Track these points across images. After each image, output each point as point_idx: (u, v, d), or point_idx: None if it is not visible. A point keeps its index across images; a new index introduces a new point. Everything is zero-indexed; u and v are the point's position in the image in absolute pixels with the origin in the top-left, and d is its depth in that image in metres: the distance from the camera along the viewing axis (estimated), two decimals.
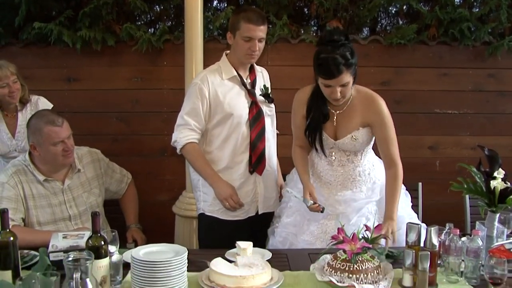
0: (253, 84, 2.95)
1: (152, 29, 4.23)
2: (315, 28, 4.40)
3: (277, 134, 3.12)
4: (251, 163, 2.92)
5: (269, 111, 3.00)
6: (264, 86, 2.97)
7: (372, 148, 2.84)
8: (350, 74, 2.50)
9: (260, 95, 2.94)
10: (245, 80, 2.93)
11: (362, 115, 2.68)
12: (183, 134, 2.85)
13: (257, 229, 2.92)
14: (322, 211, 2.66)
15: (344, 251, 2.15)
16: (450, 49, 4.17)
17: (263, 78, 3.05)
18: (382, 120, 2.66)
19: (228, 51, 2.96)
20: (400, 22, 4.35)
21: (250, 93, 2.92)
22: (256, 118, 2.91)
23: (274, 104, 3.02)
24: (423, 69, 4.18)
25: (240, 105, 2.89)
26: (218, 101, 2.85)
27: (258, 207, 2.98)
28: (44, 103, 3.41)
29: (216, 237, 2.94)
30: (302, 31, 4.17)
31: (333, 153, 2.78)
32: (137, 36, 3.98)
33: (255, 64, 3.00)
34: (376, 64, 4.11)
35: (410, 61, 4.16)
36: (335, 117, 2.72)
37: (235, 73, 2.90)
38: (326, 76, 2.49)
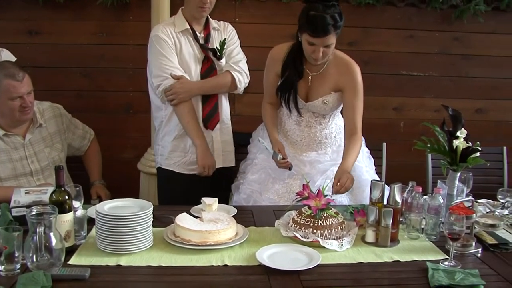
0: (207, 38, 2.90)
1: None
2: None
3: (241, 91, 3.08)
4: (203, 117, 2.90)
5: (222, 65, 2.95)
6: (220, 42, 2.89)
7: (340, 112, 2.86)
8: (335, 36, 2.51)
9: (210, 49, 2.88)
10: (198, 34, 2.88)
11: (336, 80, 2.69)
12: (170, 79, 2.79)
13: (215, 183, 2.91)
14: (290, 169, 2.68)
15: (309, 207, 2.18)
16: (418, 11, 4.16)
17: (221, 33, 2.97)
18: (355, 87, 2.67)
19: (183, 7, 2.91)
20: None
21: (203, 47, 2.88)
22: (207, 73, 2.88)
23: (226, 61, 2.95)
24: (390, 30, 4.18)
25: (192, 59, 2.86)
26: (176, 53, 2.83)
27: (215, 162, 2.97)
28: (7, 55, 3.29)
29: (173, 191, 2.99)
30: None
31: (302, 114, 2.78)
32: None
33: (211, 20, 2.95)
34: (344, 24, 4.09)
35: (378, 22, 4.15)
36: (310, 78, 2.72)
37: (187, 26, 2.85)
38: (313, 34, 2.48)
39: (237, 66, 2.92)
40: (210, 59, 2.89)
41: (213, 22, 2.96)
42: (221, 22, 3.01)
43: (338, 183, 2.47)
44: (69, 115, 3.05)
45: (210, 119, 2.92)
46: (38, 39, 3.96)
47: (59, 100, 3.10)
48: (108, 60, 4.05)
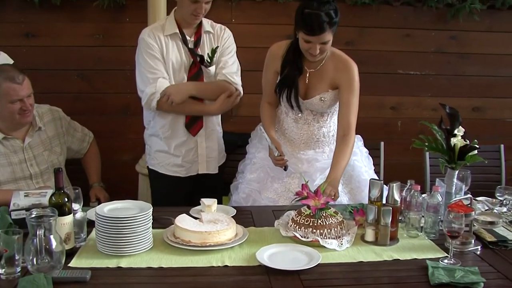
0: (197, 43, 2.85)
1: None
2: None
3: (240, 93, 3.03)
4: (186, 122, 2.87)
5: (209, 72, 2.89)
6: (212, 49, 2.84)
7: None
8: (331, 33, 2.51)
9: (198, 55, 2.83)
10: (188, 38, 2.83)
11: (333, 77, 2.69)
12: (160, 84, 2.74)
13: (196, 189, 2.91)
14: (285, 169, 2.69)
15: (308, 206, 2.18)
16: (414, 10, 4.17)
17: (215, 38, 2.90)
18: (351, 84, 2.66)
19: (177, 8, 2.85)
20: None
21: (191, 51, 2.83)
22: (194, 78, 2.83)
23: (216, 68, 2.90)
24: (387, 29, 4.19)
25: (179, 64, 2.82)
26: (162, 57, 2.79)
27: (198, 167, 2.96)
28: (4, 58, 3.28)
29: (156, 192, 3.03)
30: None
31: (300, 112, 2.78)
32: None
33: (204, 23, 2.89)
34: (340, 24, 4.06)
35: (374, 21, 4.15)
36: (308, 75, 2.72)
37: (177, 30, 2.80)
38: (309, 32, 2.48)
39: (232, 78, 2.88)
40: (197, 64, 2.83)
41: (207, 25, 2.90)
42: (218, 25, 2.95)
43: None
44: (68, 118, 3.05)
45: (193, 125, 2.88)
46: (35, 42, 3.96)
47: (57, 102, 3.10)
48: (105, 62, 4.05)
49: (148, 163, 3.05)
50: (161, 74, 2.76)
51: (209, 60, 2.83)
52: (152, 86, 2.74)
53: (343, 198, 2.70)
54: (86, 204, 2.53)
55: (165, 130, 2.88)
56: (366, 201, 2.45)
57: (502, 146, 3.70)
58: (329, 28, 2.47)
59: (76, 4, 3.91)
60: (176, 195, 2.93)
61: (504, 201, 2.65)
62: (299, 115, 2.78)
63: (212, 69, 2.88)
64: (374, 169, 3.00)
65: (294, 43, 2.64)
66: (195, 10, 2.69)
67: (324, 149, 2.84)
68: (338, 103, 2.75)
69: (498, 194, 2.67)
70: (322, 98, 2.70)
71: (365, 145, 3.01)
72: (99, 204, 2.68)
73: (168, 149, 2.91)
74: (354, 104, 2.67)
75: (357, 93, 2.68)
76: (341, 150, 2.61)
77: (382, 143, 3.52)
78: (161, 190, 3.00)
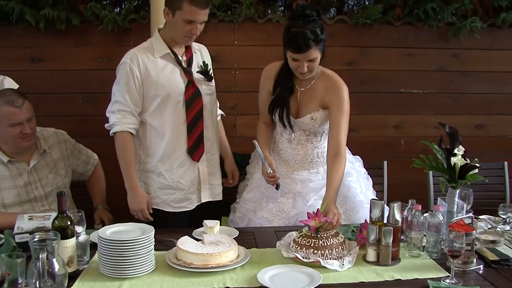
0: (190, 62, 2.79)
1: (118, 8, 4.17)
2: (282, 8, 4.40)
3: (222, 115, 3.05)
4: (188, 148, 2.78)
5: (208, 90, 2.84)
6: (203, 62, 2.82)
7: None
8: (318, 50, 2.52)
9: (198, 72, 2.79)
10: (180, 58, 2.76)
11: (323, 97, 2.70)
12: (127, 120, 2.71)
13: (195, 222, 2.64)
14: (277, 188, 2.70)
15: (309, 227, 2.19)
16: (415, 29, 4.21)
17: (201, 55, 2.88)
18: (341, 105, 2.66)
19: (161, 26, 2.80)
20: (366, 3, 4.38)
21: (186, 71, 2.75)
22: (192, 99, 2.75)
23: (215, 82, 2.89)
24: (388, 49, 4.22)
25: (174, 85, 2.72)
26: (151, 82, 2.69)
27: (201, 196, 2.88)
28: (9, 83, 3.32)
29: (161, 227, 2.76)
30: (269, 11, 4.16)
31: (293, 131, 2.80)
32: (102, 15, 3.91)
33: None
34: (342, 44, 4.13)
35: (375, 41, 4.19)
36: (299, 94, 2.75)
37: (168, 51, 2.72)
38: (295, 50, 2.50)
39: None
40: (195, 84, 2.76)
41: (195, 44, 2.85)
42: (198, 43, 2.90)
43: (326, 222, 2.24)
44: (73, 140, 3.07)
45: (195, 151, 2.79)
46: (40, 66, 4.01)
47: (62, 125, 3.12)
48: (109, 84, 4.03)
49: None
50: (132, 109, 2.71)
51: (211, 73, 2.82)
52: (117, 117, 2.71)
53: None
54: (91, 227, 2.54)
55: (162, 165, 2.80)
56: (361, 222, 2.45)
57: (505, 163, 3.69)
58: (315, 45, 2.49)
59: (81, 28, 3.97)
60: (181, 224, 2.84)
61: (508, 219, 2.64)
62: (293, 135, 2.79)
63: (213, 82, 2.87)
64: (377, 188, 2.99)
65: (286, 63, 2.66)
66: (189, 31, 2.64)
67: (319, 169, 2.83)
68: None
69: (501, 212, 2.67)
70: (313, 117, 2.71)
71: (368, 165, 3.02)
72: (103, 226, 2.71)
73: (171, 183, 2.81)
74: (343, 124, 2.66)
75: (347, 113, 2.67)
76: (334, 170, 2.57)
77: (385, 162, 3.52)
78: (168, 226, 2.79)
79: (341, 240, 2.21)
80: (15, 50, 3.97)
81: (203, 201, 2.88)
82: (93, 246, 2.20)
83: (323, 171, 2.80)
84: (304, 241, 2.17)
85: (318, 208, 2.25)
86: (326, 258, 2.13)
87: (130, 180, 2.77)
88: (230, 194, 3.08)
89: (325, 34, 2.52)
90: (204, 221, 2.38)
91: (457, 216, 2.34)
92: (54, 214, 2.13)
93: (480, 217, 2.68)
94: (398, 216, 2.22)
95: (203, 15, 2.61)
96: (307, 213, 2.25)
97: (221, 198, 2.95)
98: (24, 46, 3.98)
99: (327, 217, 2.25)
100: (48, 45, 4.00)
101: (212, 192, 2.91)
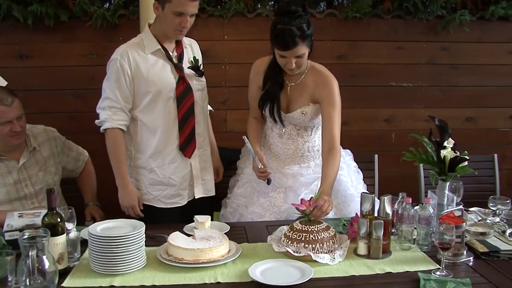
0: (180, 57, 2.77)
1: (107, 4, 4.13)
2: (271, 2, 4.38)
3: (210, 110, 3.05)
4: (179, 144, 2.78)
5: (199, 86, 2.84)
6: (194, 58, 2.81)
7: None
8: (306, 46, 2.52)
9: (188, 67, 2.78)
10: (171, 54, 2.74)
11: (313, 91, 2.70)
12: (117, 117, 2.70)
13: (187, 217, 2.64)
14: (268, 183, 2.70)
15: (301, 222, 2.20)
16: (405, 23, 4.21)
17: (192, 50, 2.87)
18: (331, 99, 2.66)
19: (151, 21, 2.78)
20: None
21: (177, 67, 2.74)
22: (183, 95, 2.74)
23: (205, 78, 2.89)
24: (378, 42, 4.22)
25: (165, 82, 2.71)
26: (142, 78, 2.68)
27: (194, 192, 2.88)
28: None
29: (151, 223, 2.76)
30: (259, 5, 4.14)
31: (284, 126, 2.80)
32: (91, 11, 3.88)
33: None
34: (332, 38, 4.13)
35: (365, 34, 4.19)
36: (289, 89, 2.74)
37: (159, 46, 2.71)
38: (282, 47, 2.50)
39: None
40: (186, 80, 2.75)
41: (186, 39, 2.85)
42: (189, 38, 2.89)
43: (316, 207, 2.29)
44: (63, 137, 3.06)
45: (187, 147, 2.79)
46: (29, 63, 3.98)
47: (52, 122, 3.11)
48: (99, 81, 4.00)
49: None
50: (123, 106, 2.70)
51: (202, 69, 2.81)
52: (108, 113, 2.71)
53: (329, 213, 2.70)
54: (82, 223, 2.53)
55: (154, 162, 2.80)
56: (352, 215, 2.46)
57: (495, 155, 3.71)
58: (301, 42, 2.48)
59: (69, 24, 3.93)
60: (172, 220, 2.82)
61: (497, 211, 2.66)
62: (283, 130, 2.80)
63: (203, 78, 2.86)
64: (368, 182, 3.00)
65: (275, 58, 2.65)
66: (179, 24, 2.62)
67: (309, 163, 2.84)
68: (320, 117, 2.75)
69: (491, 204, 2.69)
70: (303, 112, 2.71)
71: (359, 158, 3.03)
72: (94, 223, 2.70)
73: (163, 179, 2.81)
74: (336, 118, 2.67)
75: (338, 107, 2.68)
76: (329, 164, 2.59)
77: (376, 155, 3.53)
78: (159, 222, 2.76)
79: (332, 234, 2.22)
80: (3, 47, 3.93)
81: (196, 197, 2.88)
82: (84, 243, 2.20)
83: (314, 165, 2.81)
84: (295, 235, 2.17)
85: (312, 196, 2.26)
86: (317, 252, 2.14)
87: (121, 177, 2.76)
88: (222, 189, 3.08)
89: (311, 29, 2.51)
90: (195, 216, 2.38)
91: (447, 209, 2.35)
92: (44, 211, 2.12)
93: (470, 209, 2.70)
94: (388, 209, 2.23)
95: (192, 6, 2.60)
96: (301, 199, 2.26)
97: (214, 194, 2.95)
98: (12, 42, 3.94)
99: (317, 202, 2.26)
100: (37, 41, 3.97)
101: (205, 188, 2.91)
